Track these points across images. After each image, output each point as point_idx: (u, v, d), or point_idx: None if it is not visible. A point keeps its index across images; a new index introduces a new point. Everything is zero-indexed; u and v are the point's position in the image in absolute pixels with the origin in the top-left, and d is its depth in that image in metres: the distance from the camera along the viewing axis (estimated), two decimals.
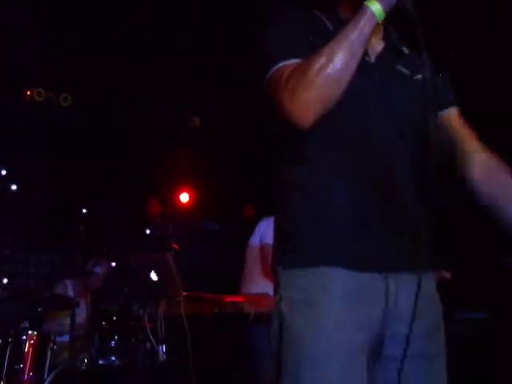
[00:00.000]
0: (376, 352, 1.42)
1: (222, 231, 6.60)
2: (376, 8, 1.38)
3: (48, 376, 3.58)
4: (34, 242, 4.82)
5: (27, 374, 3.56)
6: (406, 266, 1.44)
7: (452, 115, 1.69)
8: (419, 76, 1.61)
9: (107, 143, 5.31)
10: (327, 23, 1.58)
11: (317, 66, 1.35)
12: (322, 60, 1.35)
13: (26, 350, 3.59)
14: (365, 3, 1.41)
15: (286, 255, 1.48)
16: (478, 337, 4.52)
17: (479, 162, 1.59)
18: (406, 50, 1.68)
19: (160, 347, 3.92)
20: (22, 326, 3.71)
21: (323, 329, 1.36)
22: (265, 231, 4.30)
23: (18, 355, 3.59)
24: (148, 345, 3.93)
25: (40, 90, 4.32)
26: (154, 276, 4.22)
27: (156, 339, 3.95)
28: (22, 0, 4.38)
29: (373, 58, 1.56)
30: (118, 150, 5.44)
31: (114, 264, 4.69)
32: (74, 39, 4.66)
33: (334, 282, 1.39)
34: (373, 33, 1.48)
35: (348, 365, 1.34)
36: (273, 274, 1.53)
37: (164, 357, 3.89)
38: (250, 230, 5.64)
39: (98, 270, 4.64)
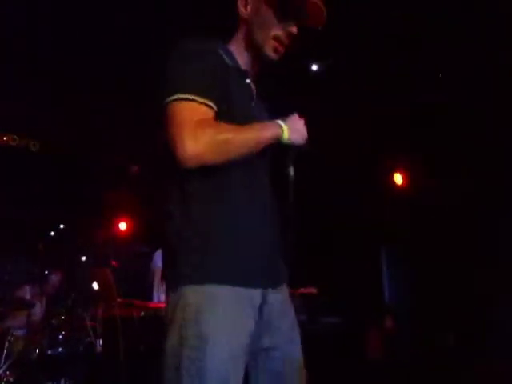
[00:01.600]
0: (258, 348, 1.31)
1: (151, 252, 6.61)
2: (285, 136, 1.31)
3: (4, 363, 3.46)
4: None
5: None
6: (281, 281, 1.39)
7: None
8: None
9: (68, 181, 5.27)
10: (225, 58, 1.34)
11: (225, 136, 1.20)
12: (233, 138, 1.21)
13: None
14: (282, 124, 1.32)
15: (191, 273, 1.23)
16: (334, 336, 4.78)
17: None
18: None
19: (98, 341, 3.91)
20: None
21: (226, 333, 1.19)
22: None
23: None
24: (88, 339, 3.89)
25: (14, 136, 4.28)
26: (95, 285, 4.21)
27: (95, 335, 3.94)
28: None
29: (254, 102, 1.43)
30: (74, 188, 5.40)
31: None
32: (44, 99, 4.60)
33: (234, 295, 1.23)
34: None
35: (243, 364, 1.23)
36: (168, 291, 1.27)
37: (101, 349, 3.89)
38: None
39: (53, 278, 4.53)
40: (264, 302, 1.30)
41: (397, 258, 6.09)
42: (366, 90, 4.47)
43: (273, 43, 1.38)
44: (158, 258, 4.52)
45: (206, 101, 1.22)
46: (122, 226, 6.69)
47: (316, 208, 5.48)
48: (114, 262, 4.92)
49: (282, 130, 1.30)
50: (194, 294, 1.21)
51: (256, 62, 1.43)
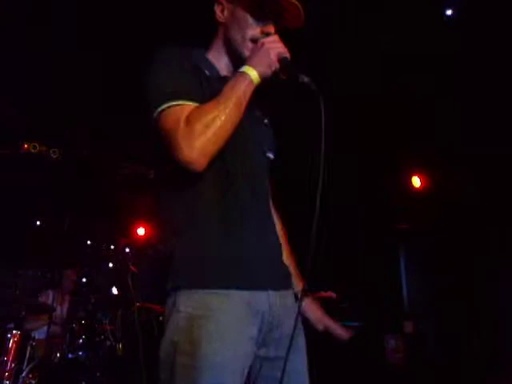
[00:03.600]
0: (262, 357, 1.29)
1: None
2: (254, 76, 1.26)
3: (27, 367, 3.51)
4: (22, 259, 4.75)
5: (9, 365, 3.49)
6: (281, 284, 1.35)
7: None
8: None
9: (86, 188, 5.37)
10: (204, 69, 1.36)
11: (210, 116, 1.18)
12: (215, 112, 1.19)
13: (9, 345, 3.52)
14: (244, 70, 1.27)
15: (185, 279, 1.23)
16: (354, 341, 4.72)
17: None
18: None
19: (117, 345, 3.96)
20: (8, 326, 3.63)
21: (220, 339, 1.17)
22: None
23: (3, 350, 3.52)
24: (108, 343, 3.94)
25: (35, 143, 4.37)
26: (115, 290, 4.26)
27: (114, 339, 3.99)
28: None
29: None
30: (93, 194, 5.49)
31: (84, 280, 4.65)
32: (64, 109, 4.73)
33: (226, 300, 1.21)
34: None
35: (242, 371, 1.19)
36: (168, 292, 1.27)
37: (120, 352, 3.93)
38: None
39: (68, 274, 4.55)
40: (268, 307, 1.27)
41: (416, 262, 6.02)
42: (382, 93, 4.46)
43: (250, 45, 1.37)
44: None
45: (189, 102, 1.22)
46: (141, 231, 6.76)
47: (335, 213, 5.47)
48: (132, 267, 4.97)
49: (247, 73, 1.26)
50: (187, 300, 1.20)
51: (237, 65, 1.38)
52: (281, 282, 1.35)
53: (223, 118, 1.19)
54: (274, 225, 1.44)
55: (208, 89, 1.30)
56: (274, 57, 1.27)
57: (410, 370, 4.74)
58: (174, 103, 1.21)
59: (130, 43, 4.09)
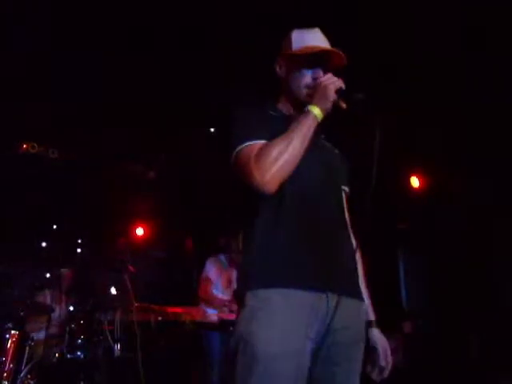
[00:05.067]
0: (317, 355, 1.37)
1: (168, 258, 6.66)
2: (317, 112, 1.47)
3: (25, 367, 3.49)
4: (19, 260, 4.76)
5: (8, 365, 3.49)
6: (344, 291, 1.43)
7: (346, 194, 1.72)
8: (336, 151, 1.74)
9: (85, 188, 5.37)
10: (271, 112, 1.64)
11: (277, 150, 1.40)
12: (282, 146, 1.41)
13: (8, 346, 3.52)
14: (309, 108, 1.48)
15: (252, 281, 1.41)
16: None
17: None
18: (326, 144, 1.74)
19: (116, 345, 3.93)
20: (6, 326, 3.63)
21: (277, 332, 1.30)
22: (209, 269, 4.42)
23: (1, 350, 3.51)
24: (107, 343, 3.91)
25: (34, 144, 4.38)
26: (113, 290, 4.26)
27: (113, 339, 3.96)
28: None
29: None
30: (91, 194, 5.49)
31: (83, 280, 4.65)
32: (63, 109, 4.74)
33: (285, 297, 1.35)
34: None
35: (296, 365, 1.30)
36: (239, 295, 1.44)
37: (119, 353, 3.90)
38: (188, 258, 5.72)
39: (65, 272, 4.54)
40: (327, 310, 1.37)
41: (415, 262, 6.03)
42: (381, 92, 4.47)
43: (306, 91, 1.60)
44: (209, 265, 4.47)
45: (257, 141, 1.46)
46: (139, 231, 6.76)
47: None
48: (131, 268, 4.97)
49: (311, 111, 1.47)
50: (252, 297, 1.38)
51: (298, 110, 1.60)
52: (344, 287, 1.45)
53: (289, 150, 1.41)
54: (344, 242, 1.58)
55: (276, 127, 1.51)
56: (331, 91, 1.47)
57: (408, 371, 4.75)
58: (245, 144, 1.47)
59: (129, 43, 4.10)
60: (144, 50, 4.14)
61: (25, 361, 3.55)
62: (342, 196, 1.67)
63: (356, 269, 1.57)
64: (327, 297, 1.39)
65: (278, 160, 1.39)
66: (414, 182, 5.63)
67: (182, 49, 4.15)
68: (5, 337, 3.55)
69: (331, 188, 1.60)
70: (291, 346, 1.29)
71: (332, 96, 1.47)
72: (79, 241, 4.67)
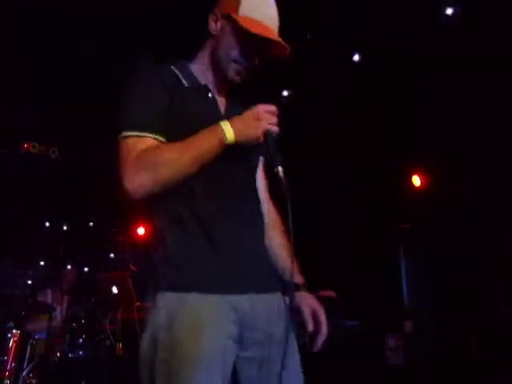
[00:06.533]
0: (241, 357, 1.27)
1: None
2: (229, 136, 1.24)
3: (27, 366, 3.52)
4: (21, 259, 4.77)
5: (10, 364, 3.50)
6: (258, 288, 1.32)
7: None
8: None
9: (85, 187, 5.38)
10: (183, 80, 1.38)
11: (162, 160, 1.23)
12: (170, 157, 1.23)
13: (10, 345, 3.53)
14: (221, 124, 1.25)
15: (165, 282, 1.27)
16: (353, 340, 4.74)
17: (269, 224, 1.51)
18: None
19: (117, 344, 3.96)
20: (8, 325, 3.65)
21: (199, 334, 1.19)
22: None
23: (3, 349, 3.54)
24: (108, 342, 3.94)
25: (34, 143, 4.38)
26: (114, 290, 4.27)
27: (114, 338, 3.99)
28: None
29: (223, 111, 1.42)
30: (92, 193, 5.50)
31: (84, 279, 4.67)
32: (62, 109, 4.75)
33: (206, 298, 1.23)
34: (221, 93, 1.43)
35: (222, 367, 1.19)
36: (150, 294, 1.31)
37: (120, 352, 3.94)
38: None
39: (68, 272, 4.56)
40: (249, 307, 1.27)
41: (416, 262, 6.03)
42: (381, 90, 4.47)
43: (235, 66, 1.39)
44: None
45: (147, 134, 1.27)
46: (141, 230, 6.77)
47: (335, 211, 5.48)
48: (132, 267, 4.98)
49: (224, 133, 1.24)
50: (165, 300, 1.24)
51: (218, 81, 1.43)
52: (263, 285, 1.33)
53: (175, 167, 1.23)
54: (257, 229, 1.42)
55: (181, 100, 1.33)
56: (259, 129, 1.25)
57: (409, 370, 4.75)
58: (132, 133, 1.27)
59: (131, 42, 4.10)
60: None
61: (26, 360, 3.57)
62: (253, 168, 1.47)
63: (267, 255, 1.42)
64: (249, 296, 1.27)
65: (157, 173, 1.22)
66: (416, 180, 5.62)
67: None
68: (6, 336, 3.58)
69: (241, 165, 1.39)
70: (216, 347, 1.18)
71: (257, 134, 1.25)
72: (80, 240, 4.68)
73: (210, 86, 1.43)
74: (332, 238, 5.22)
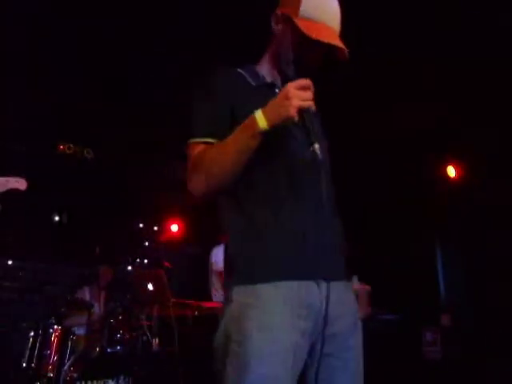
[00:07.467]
0: (314, 349, 1.26)
1: (203, 253, 6.73)
2: (262, 123, 1.20)
3: (68, 360, 3.61)
4: (61, 258, 4.89)
5: (52, 358, 3.60)
6: (334, 275, 1.29)
7: None
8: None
9: (120, 187, 5.46)
10: (249, 80, 1.40)
11: (206, 162, 1.27)
12: (212, 157, 1.27)
13: (52, 340, 3.64)
14: (254, 114, 1.22)
15: (238, 275, 1.29)
16: (390, 334, 4.67)
17: None
18: None
19: (154, 340, 4.01)
20: (50, 321, 3.74)
21: (269, 329, 1.19)
22: (219, 257, 4.49)
23: (46, 344, 3.62)
24: (145, 338, 3.99)
25: (70, 144, 4.48)
26: (150, 286, 4.33)
27: (151, 334, 4.05)
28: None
29: None
30: (127, 192, 5.58)
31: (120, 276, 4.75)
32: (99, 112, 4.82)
33: (276, 292, 1.23)
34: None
35: (291, 363, 1.20)
36: (225, 288, 1.34)
37: (157, 347, 3.99)
38: None
39: (104, 270, 4.66)
40: (320, 301, 1.25)
41: (454, 254, 5.88)
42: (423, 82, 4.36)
43: (294, 68, 1.38)
44: (214, 253, 4.59)
45: (204, 139, 1.33)
46: (174, 227, 6.84)
47: (370, 204, 5.40)
48: (167, 264, 5.03)
49: (257, 121, 1.20)
50: (240, 293, 1.25)
51: (285, 79, 1.38)
52: (333, 272, 1.30)
53: (219, 163, 1.26)
54: (331, 218, 1.38)
55: (248, 99, 1.34)
56: (292, 108, 1.17)
57: (446, 364, 4.65)
58: (193, 141, 1.35)
59: (131, 42, 4.10)
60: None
61: (68, 354, 3.65)
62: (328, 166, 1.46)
63: (341, 244, 1.41)
64: (318, 286, 1.26)
65: (205, 174, 1.27)
66: (451, 171, 5.48)
67: None
68: (49, 331, 3.68)
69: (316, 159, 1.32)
70: (286, 343, 1.18)
71: (289, 113, 1.17)
72: (117, 238, 4.75)
73: (278, 84, 1.44)
74: (368, 231, 5.14)
